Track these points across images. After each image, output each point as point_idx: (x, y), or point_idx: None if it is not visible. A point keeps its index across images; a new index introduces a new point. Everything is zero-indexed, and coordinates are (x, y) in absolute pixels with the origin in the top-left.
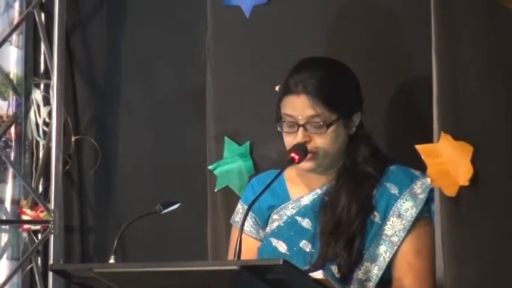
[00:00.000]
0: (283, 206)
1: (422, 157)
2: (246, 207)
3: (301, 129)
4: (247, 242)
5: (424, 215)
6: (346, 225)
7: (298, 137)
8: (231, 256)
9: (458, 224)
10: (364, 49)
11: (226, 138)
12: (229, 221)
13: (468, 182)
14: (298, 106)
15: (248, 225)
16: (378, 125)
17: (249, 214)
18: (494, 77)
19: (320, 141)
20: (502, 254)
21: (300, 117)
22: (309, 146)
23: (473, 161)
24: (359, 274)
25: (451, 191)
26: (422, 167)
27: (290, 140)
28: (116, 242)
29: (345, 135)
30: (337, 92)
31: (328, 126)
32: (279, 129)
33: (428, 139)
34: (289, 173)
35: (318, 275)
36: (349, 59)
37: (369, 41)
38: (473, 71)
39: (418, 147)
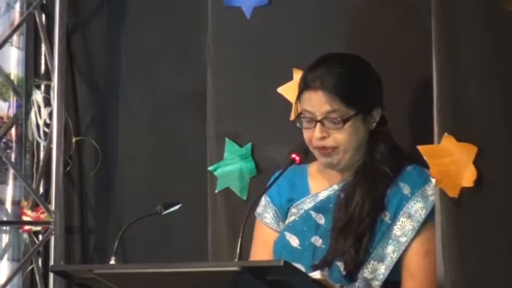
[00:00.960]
0: (301, 200)
1: (425, 158)
2: (268, 199)
3: (318, 125)
4: (267, 233)
5: (433, 217)
6: (356, 223)
7: (316, 132)
8: (255, 248)
9: (459, 225)
10: (366, 50)
11: (227, 139)
12: (230, 222)
13: (472, 183)
14: (316, 102)
15: (269, 217)
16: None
17: (270, 207)
18: (495, 78)
19: (338, 136)
20: (503, 256)
21: (317, 113)
22: (328, 142)
23: (475, 162)
24: (365, 273)
25: (453, 192)
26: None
27: (309, 135)
28: (116, 243)
29: (364, 131)
30: (354, 88)
31: (345, 121)
32: (298, 124)
33: (430, 141)
34: (312, 167)
35: (316, 275)
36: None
37: (370, 42)
38: (473, 72)
39: (420, 147)
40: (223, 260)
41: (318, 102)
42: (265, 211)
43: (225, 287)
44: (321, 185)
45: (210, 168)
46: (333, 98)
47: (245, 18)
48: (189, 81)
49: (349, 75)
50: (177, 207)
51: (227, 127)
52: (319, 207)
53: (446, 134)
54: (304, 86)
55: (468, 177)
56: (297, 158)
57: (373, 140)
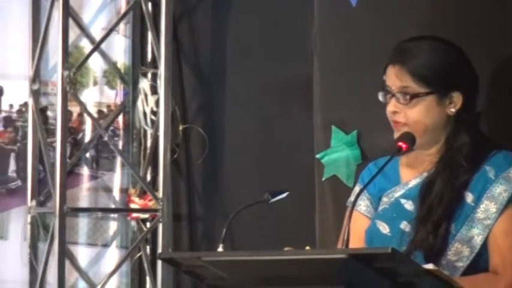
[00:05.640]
0: (393, 189)
1: None
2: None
3: (393, 99)
4: (362, 220)
5: None
6: (436, 211)
7: (389, 106)
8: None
9: None
10: (477, 32)
11: (333, 126)
12: (337, 209)
13: None
14: (392, 76)
15: (364, 205)
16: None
17: (365, 195)
18: None
19: (409, 112)
20: None
21: (393, 87)
22: (398, 117)
23: None
24: (449, 255)
25: None
26: None
27: (387, 110)
28: (224, 231)
29: (439, 114)
30: (430, 66)
31: (412, 98)
32: (380, 98)
33: None
34: (403, 157)
35: (429, 266)
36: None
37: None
38: None
39: None
40: (331, 247)
41: (393, 77)
42: (360, 199)
43: (333, 275)
44: (412, 174)
45: (317, 155)
46: (404, 73)
47: (351, 5)
48: (295, 68)
49: (428, 53)
50: (284, 195)
51: (333, 115)
52: (409, 194)
53: None
54: (389, 60)
55: None
56: (404, 146)
57: (454, 126)
